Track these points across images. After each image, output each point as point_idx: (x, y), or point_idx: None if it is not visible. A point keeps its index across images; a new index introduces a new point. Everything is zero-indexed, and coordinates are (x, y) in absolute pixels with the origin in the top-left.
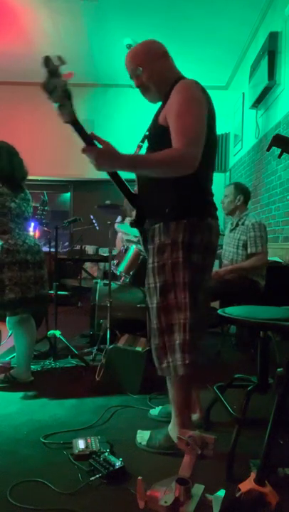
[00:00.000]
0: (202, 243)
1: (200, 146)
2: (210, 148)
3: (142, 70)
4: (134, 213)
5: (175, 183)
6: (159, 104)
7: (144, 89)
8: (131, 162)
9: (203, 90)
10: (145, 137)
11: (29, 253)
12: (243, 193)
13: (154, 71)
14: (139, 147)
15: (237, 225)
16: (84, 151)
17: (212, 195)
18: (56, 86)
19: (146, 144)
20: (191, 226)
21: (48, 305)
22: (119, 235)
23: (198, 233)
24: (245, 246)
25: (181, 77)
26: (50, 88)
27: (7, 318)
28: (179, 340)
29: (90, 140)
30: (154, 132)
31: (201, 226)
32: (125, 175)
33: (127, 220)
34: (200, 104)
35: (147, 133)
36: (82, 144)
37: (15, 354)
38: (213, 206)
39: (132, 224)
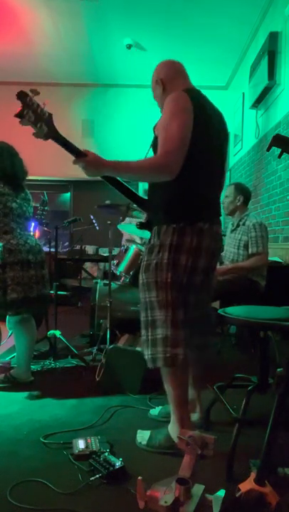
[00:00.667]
0: (191, 245)
1: (178, 154)
2: (201, 152)
3: (154, 91)
4: (130, 212)
5: (166, 188)
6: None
7: (160, 107)
8: (114, 167)
9: (194, 98)
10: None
11: (31, 253)
12: (243, 193)
13: (160, 94)
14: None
15: (238, 225)
16: (74, 162)
17: (210, 199)
18: (26, 114)
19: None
20: (179, 230)
21: (48, 305)
22: (126, 236)
23: (186, 236)
24: (246, 246)
25: (183, 89)
26: (21, 116)
27: (7, 318)
28: (161, 335)
29: (76, 151)
30: (153, 144)
31: (190, 230)
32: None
33: (127, 220)
34: (183, 114)
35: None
36: (80, 145)
37: (15, 354)
38: (206, 210)
39: (138, 225)
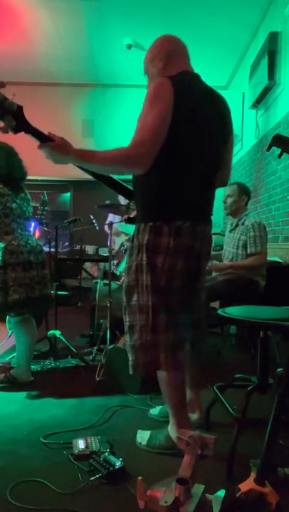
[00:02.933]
0: (168, 246)
1: (150, 146)
2: (183, 146)
3: (148, 72)
4: (130, 212)
5: (144, 184)
6: None
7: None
8: (80, 155)
9: (179, 86)
10: None
11: (32, 253)
12: (246, 193)
13: (153, 74)
14: None
15: (237, 225)
16: (39, 147)
17: (194, 196)
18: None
19: None
20: (156, 229)
21: (49, 305)
22: (114, 230)
23: (164, 236)
24: (245, 246)
25: (168, 75)
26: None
27: (7, 318)
28: (140, 341)
29: (43, 137)
30: None
31: (167, 229)
32: (125, 175)
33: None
34: (160, 103)
35: None
36: (80, 145)
37: (15, 354)
38: (188, 208)
39: (125, 220)
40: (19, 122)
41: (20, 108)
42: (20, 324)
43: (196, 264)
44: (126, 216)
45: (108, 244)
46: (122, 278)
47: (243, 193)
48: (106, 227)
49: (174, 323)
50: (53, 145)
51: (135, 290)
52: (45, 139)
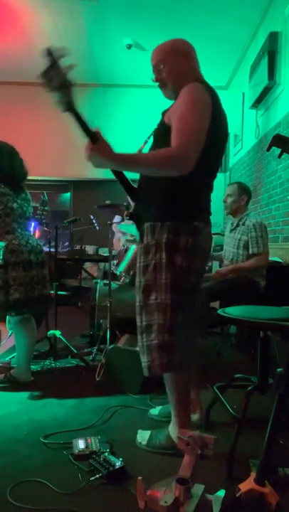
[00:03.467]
0: (187, 245)
1: (196, 148)
2: (208, 152)
3: (164, 66)
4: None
5: (164, 184)
6: (158, 105)
7: (162, 84)
8: (125, 159)
9: (211, 93)
10: (152, 134)
11: (32, 253)
12: (246, 193)
13: (174, 68)
14: (145, 143)
15: (237, 225)
16: (87, 147)
17: (205, 200)
18: (54, 75)
19: (151, 140)
20: (174, 228)
21: (49, 305)
22: (117, 235)
23: (182, 235)
24: (245, 246)
25: (198, 80)
26: (48, 77)
27: (7, 318)
28: (158, 341)
29: (90, 134)
30: (159, 131)
31: (186, 229)
32: (130, 175)
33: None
34: (203, 107)
35: (153, 131)
36: (80, 145)
37: (15, 354)
38: (201, 210)
39: (129, 216)
40: (72, 101)
41: (72, 86)
42: (20, 324)
43: (204, 263)
44: (127, 212)
45: (112, 243)
46: (122, 278)
47: (243, 192)
48: (113, 227)
49: (188, 322)
50: (95, 146)
51: (154, 289)
52: (88, 133)
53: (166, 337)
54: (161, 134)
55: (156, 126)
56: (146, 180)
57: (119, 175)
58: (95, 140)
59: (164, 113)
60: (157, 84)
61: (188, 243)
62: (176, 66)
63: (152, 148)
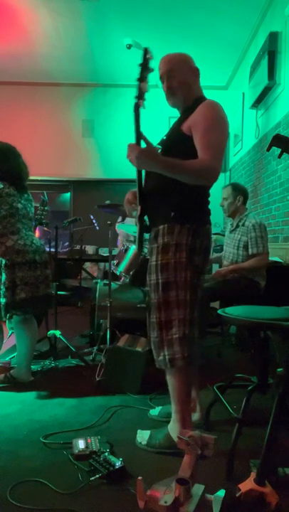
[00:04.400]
0: (201, 247)
1: (222, 160)
2: None
3: (175, 74)
4: (134, 212)
5: (181, 189)
6: (158, 105)
7: (172, 93)
8: (168, 165)
9: (224, 112)
10: (162, 141)
11: (37, 253)
12: (241, 192)
13: (185, 80)
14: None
15: (237, 225)
16: (129, 146)
17: (209, 203)
18: (146, 76)
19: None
20: (193, 231)
21: (51, 305)
22: (122, 235)
23: (199, 238)
24: (245, 247)
25: (203, 97)
26: (143, 77)
27: (6, 318)
28: (178, 335)
29: (138, 137)
30: (174, 138)
31: (202, 231)
32: (125, 175)
33: (127, 220)
34: (225, 124)
35: (165, 137)
36: (80, 145)
37: (15, 354)
38: (209, 214)
39: (138, 217)
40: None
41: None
42: (21, 324)
43: (208, 261)
44: (135, 215)
45: (117, 244)
46: (122, 278)
47: (238, 193)
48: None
49: (199, 318)
50: (142, 150)
51: (174, 286)
52: (140, 136)
53: (187, 331)
54: (179, 142)
55: (167, 134)
56: (161, 184)
57: (140, 178)
58: (142, 144)
59: (178, 123)
60: (164, 91)
61: (202, 244)
62: (187, 78)
63: (163, 154)
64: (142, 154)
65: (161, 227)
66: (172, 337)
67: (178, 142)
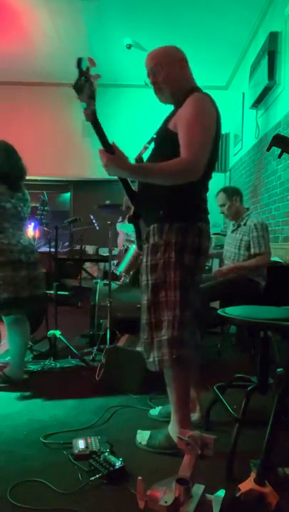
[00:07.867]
0: (194, 245)
1: (204, 157)
2: (210, 160)
3: (160, 70)
4: (130, 212)
5: (170, 187)
6: (158, 105)
7: (158, 88)
8: (136, 171)
9: (214, 105)
10: (152, 139)
11: (23, 253)
12: (235, 193)
13: (170, 74)
14: (145, 148)
15: (239, 225)
16: (100, 152)
17: (205, 201)
18: (84, 86)
19: (151, 146)
20: (183, 229)
21: (46, 305)
22: (122, 235)
23: (189, 236)
24: (247, 246)
25: (195, 88)
26: (79, 88)
27: (4, 318)
28: (167, 336)
29: (107, 144)
30: (162, 136)
31: (192, 229)
32: None
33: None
34: (210, 118)
35: (155, 136)
36: (80, 145)
37: None
38: (203, 211)
39: (130, 218)
40: (94, 111)
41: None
42: (13, 325)
43: (205, 262)
44: (129, 215)
45: (118, 243)
46: (122, 278)
47: (232, 195)
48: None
49: (193, 318)
50: (111, 158)
51: (163, 287)
52: (106, 145)
53: (175, 333)
54: (166, 139)
55: (157, 132)
56: (149, 184)
57: (124, 179)
58: (112, 151)
59: (166, 120)
60: (152, 87)
61: (194, 243)
62: (172, 71)
63: (154, 152)
64: (110, 161)
65: (152, 226)
66: (161, 338)
67: (166, 140)
